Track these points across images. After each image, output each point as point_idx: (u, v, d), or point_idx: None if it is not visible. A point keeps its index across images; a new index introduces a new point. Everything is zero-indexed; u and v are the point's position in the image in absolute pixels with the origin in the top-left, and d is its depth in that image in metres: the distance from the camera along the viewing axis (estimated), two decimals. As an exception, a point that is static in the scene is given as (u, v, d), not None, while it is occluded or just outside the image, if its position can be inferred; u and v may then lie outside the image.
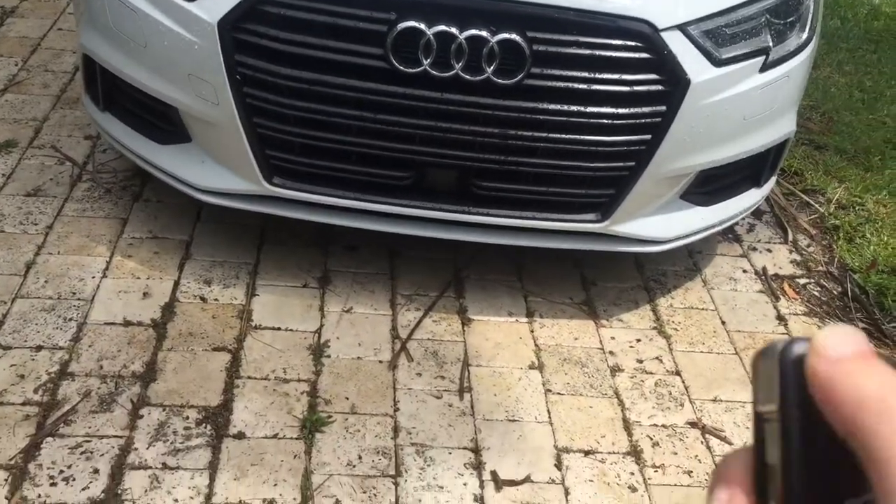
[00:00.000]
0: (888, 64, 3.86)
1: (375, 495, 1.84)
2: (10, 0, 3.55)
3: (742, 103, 2.15)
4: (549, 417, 2.09)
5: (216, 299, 2.29)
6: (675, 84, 2.04)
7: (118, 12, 2.12)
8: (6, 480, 1.76)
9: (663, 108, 2.06)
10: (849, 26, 4.10)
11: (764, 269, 2.67)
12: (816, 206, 2.97)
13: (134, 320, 2.18)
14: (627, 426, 2.09)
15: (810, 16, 2.29)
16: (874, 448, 0.32)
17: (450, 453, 1.97)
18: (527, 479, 1.93)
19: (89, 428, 1.90)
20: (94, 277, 2.29)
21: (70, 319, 2.16)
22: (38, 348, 2.06)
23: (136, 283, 2.30)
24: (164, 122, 2.25)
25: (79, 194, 2.57)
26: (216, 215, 2.51)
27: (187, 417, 1.96)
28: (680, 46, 2.02)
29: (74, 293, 2.23)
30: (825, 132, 3.33)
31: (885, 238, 2.78)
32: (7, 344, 2.07)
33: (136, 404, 1.97)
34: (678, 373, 2.26)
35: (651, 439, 2.07)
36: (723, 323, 2.45)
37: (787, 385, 0.36)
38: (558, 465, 1.97)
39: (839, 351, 0.34)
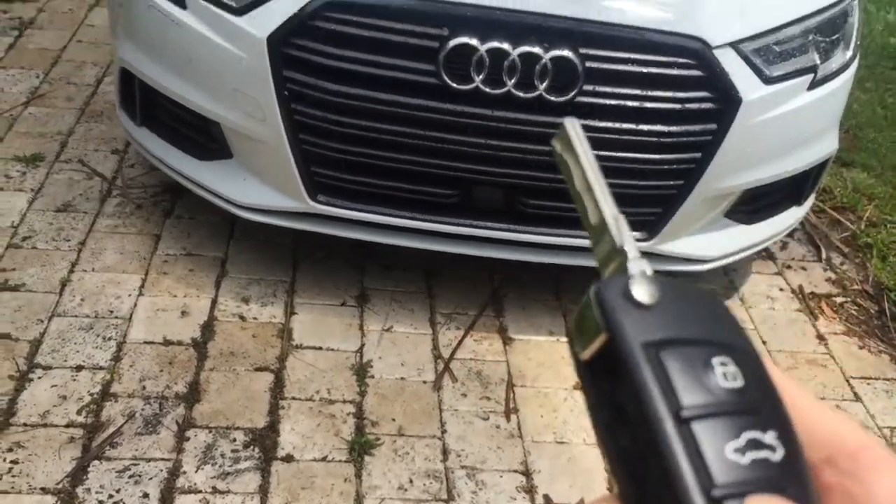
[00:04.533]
0: (907, 81, 3.87)
1: (431, 520, 1.81)
2: (28, 11, 3.51)
3: (791, 121, 2.14)
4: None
5: (255, 318, 2.25)
6: (726, 102, 2.02)
7: (161, 26, 2.08)
8: (54, 506, 1.71)
9: (714, 125, 2.04)
10: (866, 43, 4.12)
11: (800, 287, 2.66)
12: (847, 223, 2.96)
13: (174, 339, 2.14)
14: (677, 448, 2.06)
15: (854, 34, 2.28)
16: None
17: (501, 476, 1.94)
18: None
19: (136, 450, 1.85)
20: (130, 295, 2.25)
21: (109, 339, 2.11)
22: (79, 368, 2.02)
23: (173, 301, 2.25)
24: (204, 138, 2.21)
25: (109, 210, 2.53)
26: (250, 232, 2.47)
27: (234, 440, 1.92)
28: (732, 64, 2.01)
29: (112, 311, 2.19)
30: (851, 149, 3.33)
31: (919, 256, 2.78)
32: (47, 364, 2.02)
33: (182, 426, 1.92)
34: (723, 393, 2.24)
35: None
36: (763, 343, 2.43)
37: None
38: (611, 489, 1.94)
39: None
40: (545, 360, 2.26)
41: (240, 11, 1.98)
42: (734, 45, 2.01)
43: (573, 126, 0.38)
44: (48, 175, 2.63)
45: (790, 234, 2.86)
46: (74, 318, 2.15)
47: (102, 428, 1.89)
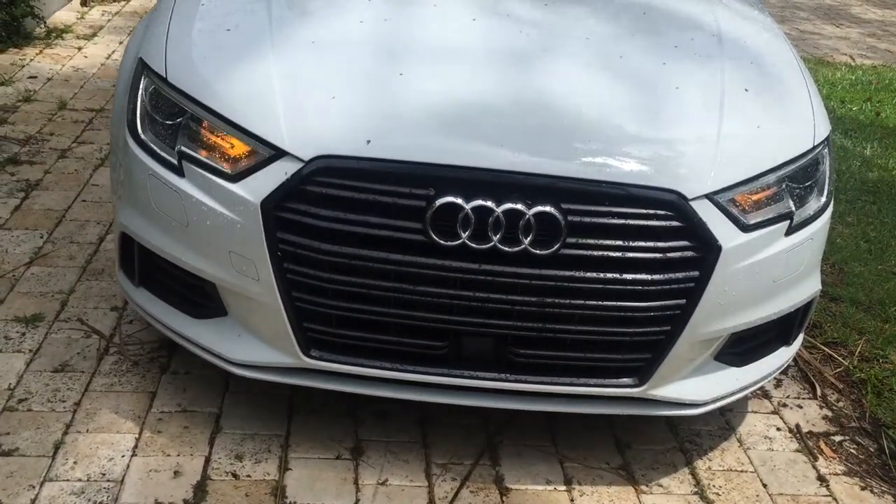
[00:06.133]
0: (889, 214, 3.97)
1: None
2: (35, 173, 3.65)
3: (771, 266, 2.20)
4: None
5: (248, 475, 2.23)
6: (706, 250, 2.09)
7: (160, 193, 2.18)
8: None
9: (696, 273, 2.10)
10: (845, 178, 4.25)
11: (798, 426, 2.64)
12: (840, 359, 2.98)
13: (165, 502, 2.11)
14: None
15: (827, 180, 2.38)
16: None
17: None
18: None
19: None
20: (123, 456, 2.24)
21: (100, 503, 2.09)
22: (69, 536, 1.99)
23: (166, 460, 2.24)
24: (200, 297, 2.26)
25: (106, 368, 2.55)
26: (245, 385, 2.48)
27: None
28: (709, 214, 2.09)
29: (104, 474, 2.17)
30: (837, 284, 3.39)
31: (914, 390, 2.78)
32: (36, 532, 1.99)
33: None
34: (726, 541, 2.19)
35: None
36: (764, 486, 2.40)
37: None
38: None
39: None
40: (543, 512, 2.23)
41: (235, 178, 2.07)
42: (710, 196, 2.10)
43: None
44: (47, 335, 2.67)
45: (784, 372, 2.87)
46: (66, 483, 2.14)
47: None
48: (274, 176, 2.04)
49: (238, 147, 2.10)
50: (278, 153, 2.05)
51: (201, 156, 2.13)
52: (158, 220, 2.20)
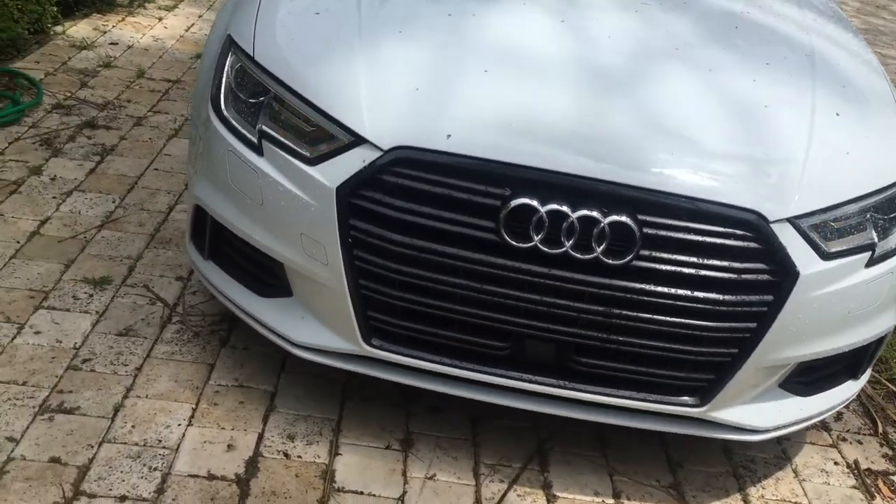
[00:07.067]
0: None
1: None
2: (111, 138, 3.72)
3: (848, 297, 2.14)
4: None
5: (299, 456, 2.25)
6: (783, 275, 2.04)
7: (238, 170, 2.20)
8: None
9: (770, 297, 2.05)
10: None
11: (856, 462, 2.57)
12: (905, 397, 2.89)
13: (218, 474, 2.14)
14: None
15: (913, 213, 2.30)
16: None
17: None
18: None
19: (169, 590, 1.83)
20: (179, 425, 2.27)
21: (155, 469, 2.12)
22: (123, 498, 2.03)
23: (221, 433, 2.27)
24: (267, 276, 2.28)
25: (168, 336, 2.59)
26: (301, 366, 2.50)
27: (268, 586, 1.88)
28: (789, 239, 2.04)
29: (160, 441, 2.21)
30: (908, 319, 3.28)
31: (982, 437, 2.68)
32: (92, 492, 2.03)
33: (217, 567, 1.90)
34: (775, 573, 2.15)
35: None
36: (818, 519, 2.34)
37: None
38: None
39: None
40: (589, 523, 2.21)
41: (313, 162, 2.08)
42: (792, 220, 2.04)
43: None
44: (113, 298, 2.72)
45: (846, 406, 2.80)
46: (123, 446, 2.18)
47: (139, 563, 1.87)
48: (351, 162, 2.04)
49: (318, 131, 2.11)
50: (358, 140, 2.05)
51: (281, 136, 2.14)
52: (233, 197, 2.23)
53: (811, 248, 2.06)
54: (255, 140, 2.18)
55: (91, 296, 2.72)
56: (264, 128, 2.17)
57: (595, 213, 1.99)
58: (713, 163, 2.09)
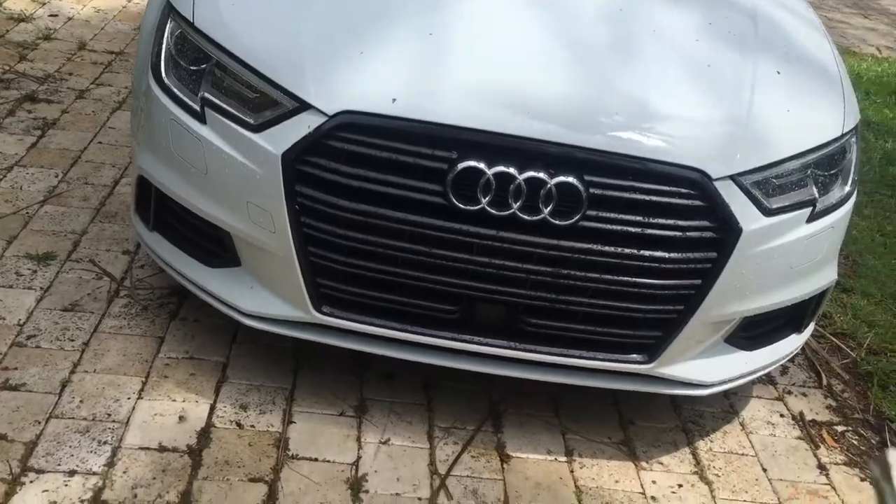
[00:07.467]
0: (906, 209, 3.94)
1: None
2: (52, 112, 3.63)
3: (790, 252, 2.18)
4: (595, 566, 2.02)
5: (252, 425, 2.24)
6: (727, 232, 2.07)
7: (181, 139, 2.16)
8: None
9: (714, 254, 2.09)
10: (864, 170, 4.21)
11: (801, 414, 2.64)
12: (848, 350, 2.97)
13: (169, 446, 2.13)
14: (675, 579, 2.02)
15: (852, 169, 2.35)
16: None
17: None
18: None
19: (122, 562, 1.82)
20: (129, 399, 2.25)
21: (105, 443, 2.10)
22: (72, 473, 2.00)
23: (171, 405, 2.25)
24: (214, 246, 2.25)
25: (116, 310, 2.56)
26: (252, 337, 2.48)
27: (223, 554, 1.88)
28: (732, 196, 2.07)
29: (110, 415, 2.19)
30: (851, 276, 3.37)
31: (920, 387, 2.77)
32: (40, 467, 2.00)
33: (171, 537, 1.89)
34: (723, 522, 2.21)
35: None
36: (764, 470, 2.40)
37: None
38: None
39: None
40: (543, 481, 2.24)
41: (257, 128, 2.05)
42: (734, 177, 2.07)
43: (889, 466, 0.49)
44: (58, 274, 2.67)
45: (791, 359, 2.86)
46: (72, 421, 2.15)
47: (91, 536, 1.86)
48: (296, 128, 2.02)
49: (262, 97, 2.08)
50: (302, 106, 2.03)
51: (224, 104, 2.11)
52: (177, 166, 2.19)
53: (753, 205, 2.09)
54: (197, 108, 2.14)
55: (35, 272, 2.66)
56: (207, 95, 2.14)
57: (542, 175, 1.99)
58: (657, 123, 2.11)
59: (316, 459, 2.18)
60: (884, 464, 0.41)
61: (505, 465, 2.26)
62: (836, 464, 2.48)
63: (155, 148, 2.26)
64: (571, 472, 2.29)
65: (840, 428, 2.63)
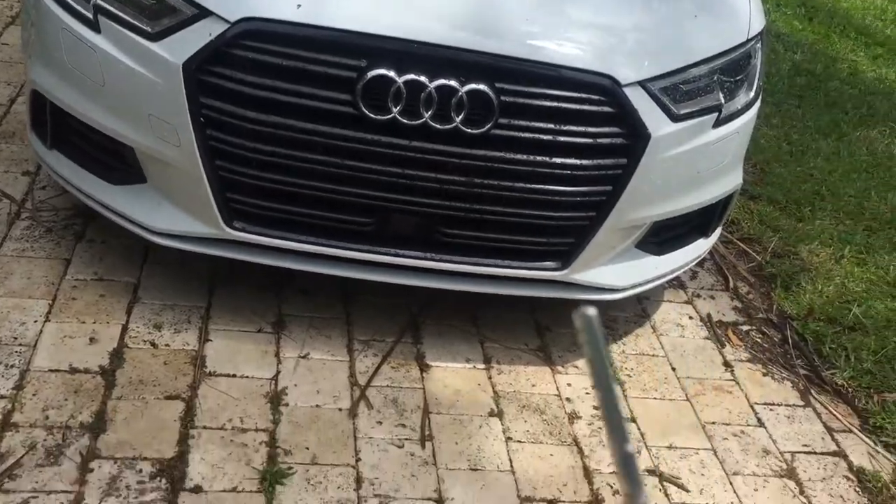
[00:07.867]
0: (811, 119, 4.05)
1: (341, 550, 1.80)
2: (-62, 27, 3.41)
3: (697, 157, 2.23)
4: (511, 466, 2.09)
5: (167, 345, 2.21)
6: (636, 138, 2.09)
7: (74, 49, 2.05)
8: (-54, 542, 1.65)
9: (624, 160, 2.11)
10: (773, 81, 4.30)
11: (709, 315, 2.75)
12: (754, 254, 3.08)
13: (80, 367, 2.09)
14: (588, 474, 2.11)
15: (757, 75, 2.39)
16: None
17: (414, 504, 1.94)
18: (492, 530, 1.91)
19: (36, 483, 1.80)
20: (36, 321, 2.19)
21: (12, 366, 2.05)
22: (-21, 397, 1.95)
23: (81, 327, 2.20)
24: (117, 162, 2.18)
25: (17, 233, 2.46)
26: (164, 256, 2.43)
27: (140, 470, 1.88)
28: (641, 102, 2.08)
29: (16, 338, 2.12)
30: (758, 183, 3.47)
31: (820, 287, 2.90)
32: (-56, 393, 1.95)
33: (86, 457, 1.87)
34: (633, 420, 2.29)
35: (611, 487, 2.08)
36: (673, 369, 2.50)
37: None
38: (523, 516, 1.96)
39: None
40: (462, 388, 2.28)
41: (155, 37, 1.96)
42: (643, 83, 2.09)
43: (589, 319, 0.60)
44: (-47, 197, 2.55)
45: (700, 264, 2.96)
46: (-24, 346, 2.08)
47: (2, 459, 1.82)
48: (197, 36, 1.94)
49: (159, 4, 1.98)
50: (202, 12, 1.94)
51: (119, 11, 2.01)
52: (72, 79, 2.09)
53: (662, 111, 2.12)
54: (90, 16, 2.03)
55: (-73, 195, 2.54)
56: (99, 2, 2.02)
57: (453, 83, 1.97)
58: (567, 30, 2.10)
59: (234, 375, 2.17)
60: (584, 318, 0.56)
61: (424, 375, 2.30)
62: (741, 360, 2.60)
63: (48, 61, 2.14)
64: (489, 378, 2.34)
65: (745, 328, 2.74)
